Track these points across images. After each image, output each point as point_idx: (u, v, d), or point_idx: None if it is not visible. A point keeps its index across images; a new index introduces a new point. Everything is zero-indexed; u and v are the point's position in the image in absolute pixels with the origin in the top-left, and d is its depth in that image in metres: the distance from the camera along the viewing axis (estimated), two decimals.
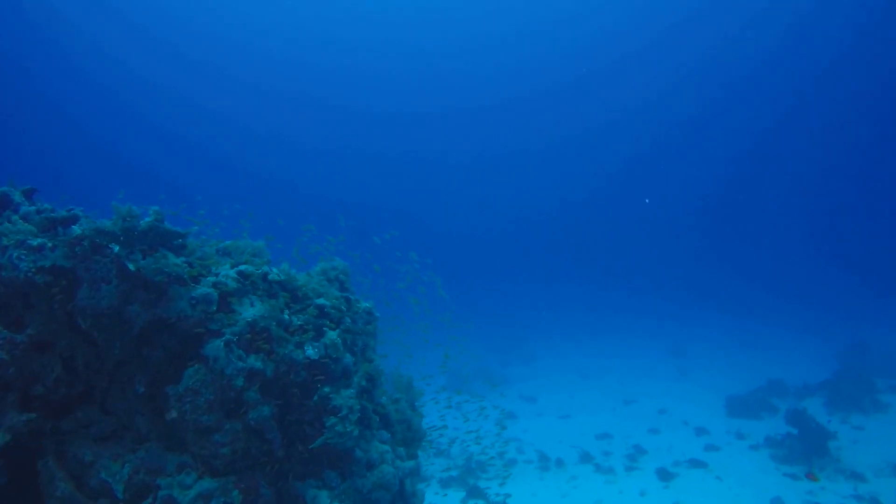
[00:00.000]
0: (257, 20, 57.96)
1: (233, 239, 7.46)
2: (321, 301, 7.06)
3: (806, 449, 14.77)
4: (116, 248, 5.85)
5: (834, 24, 50.42)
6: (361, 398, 7.08)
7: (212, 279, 6.48)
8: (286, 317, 6.76)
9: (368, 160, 69.52)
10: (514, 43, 61.67)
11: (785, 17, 51.90)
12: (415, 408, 8.71)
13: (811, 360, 28.28)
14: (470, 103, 67.63)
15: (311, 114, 67.66)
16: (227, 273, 6.70)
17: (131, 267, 5.86)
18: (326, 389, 6.59)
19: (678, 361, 30.06)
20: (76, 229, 5.60)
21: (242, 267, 6.86)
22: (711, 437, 17.02)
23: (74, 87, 57.02)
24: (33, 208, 5.98)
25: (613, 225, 71.40)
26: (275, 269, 7.10)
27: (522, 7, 57.89)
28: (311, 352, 6.59)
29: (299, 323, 6.83)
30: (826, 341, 31.94)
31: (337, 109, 67.18)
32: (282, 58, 62.93)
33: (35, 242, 5.50)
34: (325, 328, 6.87)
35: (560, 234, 70.74)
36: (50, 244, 5.55)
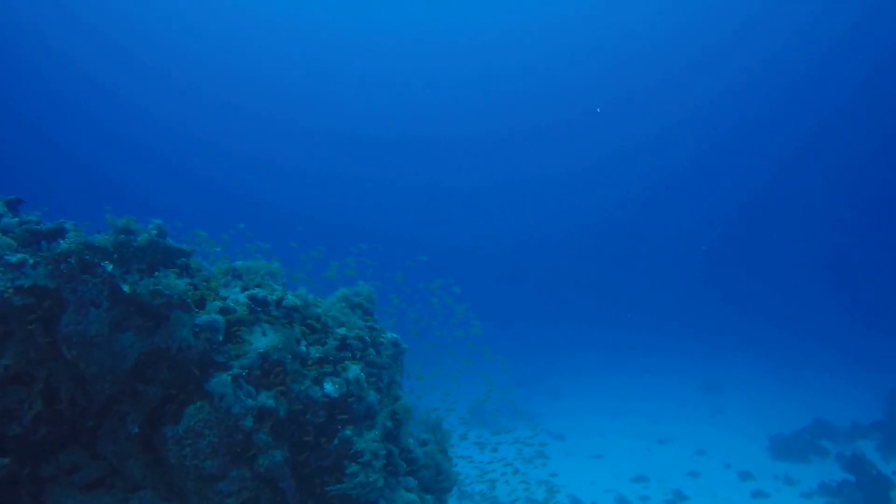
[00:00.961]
0: (261, 44, 58.38)
1: (241, 260, 6.70)
2: (343, 331, 6.23)
3: (866, 499, 13.48)
4: (109, 267, 5.10)
5: (853, 58, 49.61)
6: (387, 441, 6.19)
7: (219, 304, 5.71)
8: (303, 348, 5.94)
9: (371, 186, 68.94)
10: (524, 73, 61.44)
11: (800, 55, 51.34)
12: (445, 450, 7.77)
13: (854, 399, 26.72)
14: (496, 129, 67.27)
15: (329, 142, 67.60)
16: (236, 297, 5.92)
17: (126, 289, 5.11)
18: (348, 432, 5.72)
19: (712, 398, 28.61)
20: (62, 244, 4.86)
21: (254, 290, 6.08)
22: (758, 483, 15.72)
23: (55, 104, 57.05)
24: (16, 220, 5.27)
25: (637, 259, 69.88)
26: (291, 294, 6.30)
27: (541, 38, 57.81)
28: (330, 388, 5.75)
29: (318, 355, 6.01)
30: (869, 381, 30.38)
31: (347, 136, 66.94)
32: (292, 84, 63.20)
33: (14, 259, 4.77)
34: (346, 361, 6.03)
35: (579, 265, 69.27)
36: (31, 260, 4.82)
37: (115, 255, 4.89)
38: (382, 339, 6.89)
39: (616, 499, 14.64)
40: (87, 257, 4.90)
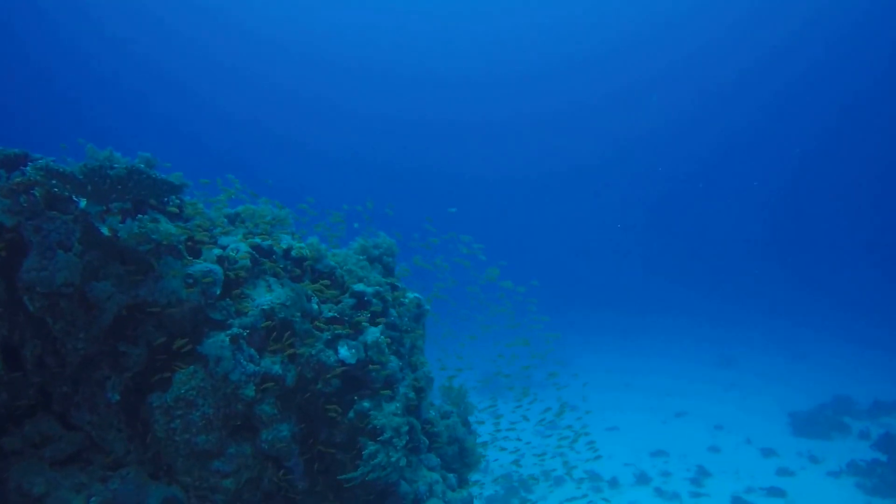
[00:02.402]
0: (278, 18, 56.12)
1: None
2: (360, 287, 5.37)
3: None
4: (83, 203, 4.23)
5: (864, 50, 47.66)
6: (408, 415, 5.38)
7: (217, 252, 4.84)
8: (314, 306, 5.09)
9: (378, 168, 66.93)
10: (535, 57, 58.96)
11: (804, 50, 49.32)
12: (468, 423, 7.00)
13: (868, 376, 25.97)
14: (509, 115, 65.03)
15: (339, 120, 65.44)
16: (237, 246, 5.05)
17: (104, 231, 4.24)
18: (366, 404, 4.91)
19: (725, 373, 27.88)
20: (25, 172, 3.98)
21: (258, 239, 5.21)
22: (782, 460, 15.03)
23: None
24: None
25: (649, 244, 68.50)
26: (300, 244, 5.43)
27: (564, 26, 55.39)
28: (346, 354, 4.91)
29: (331, 315, 5.16)
30: (879, 359, 29.67)
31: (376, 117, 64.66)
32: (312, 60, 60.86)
33: None
34: (364, 323, 5.19)
35: (588, 251, 67.80)
36: None
37: (89, 188, 4.01)
38: (404, 300, 6.05)
39: (636, 474, 13.98)
40: (55, 189, 4.03)
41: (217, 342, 4.42)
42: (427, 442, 5.69)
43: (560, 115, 64.92)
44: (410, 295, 6.24)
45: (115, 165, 3.89)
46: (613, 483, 13.63)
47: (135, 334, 4.37)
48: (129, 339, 4.35)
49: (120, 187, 4.02)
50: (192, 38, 54.79)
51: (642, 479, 13.83)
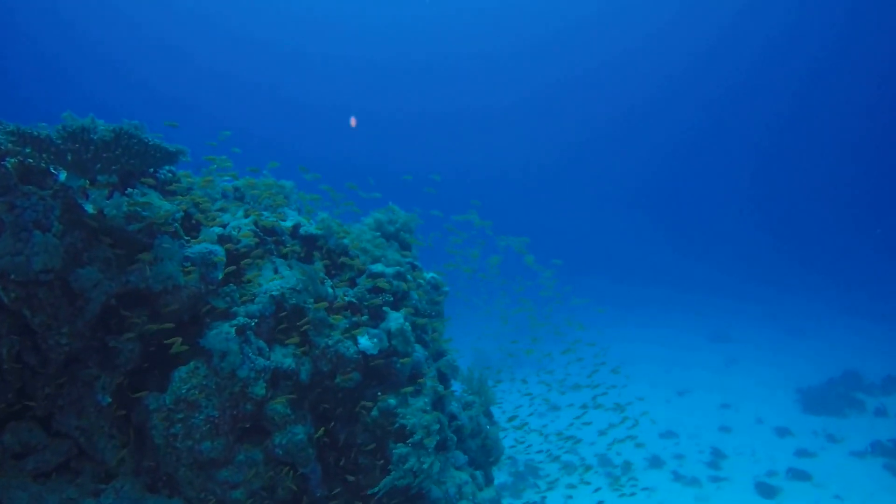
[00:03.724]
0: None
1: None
2: (378, 268, 4.81)
3: None
4: (63, 176, 3.62)
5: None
6: (435, 410, 4.85)
7: (217, 231, 4.25)
8: (329, 290, 4.52)
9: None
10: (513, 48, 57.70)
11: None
12: (490, 414, 6.49)
13: (879, 347, 25.74)
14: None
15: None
16: (238, 224, 4.47)
17: (88, 209, 3.65)
18: (392, 401, 4.36)
19: (721, 347, 27.54)
20: None
21: (263, 215, 4.62)
22: (798, 440, 14.65)
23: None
24: None
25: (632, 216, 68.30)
26: (309, 221, 4.85)
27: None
28: (367, 343, 4.36)
29: (348, 300, 4.60)
30: (872, 330, 29.47)
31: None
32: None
33: None
34: (385, 308, 4.63)
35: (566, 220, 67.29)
36: None
37: (70, 157, 3.40)
38: (421, 280, 5.49)
39: (648, 458, 13.58)
40: (30, 160, 3.41)
41: (222, 334, 3.85)
42: (455, 439, 5.17)
43: (543, 96, 64.13)
44: (428, 275, 5.69)
45: (100, 128, 3.28)
46: (627, 467, 13.22)
47: (127, 326, 3.79)
48: (119, 333, 3.77)
49: (106, 155, 3.41)
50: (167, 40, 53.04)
51: (655, 462, 13.41)
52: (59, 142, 3.14)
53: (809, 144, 62.44)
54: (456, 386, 6.47)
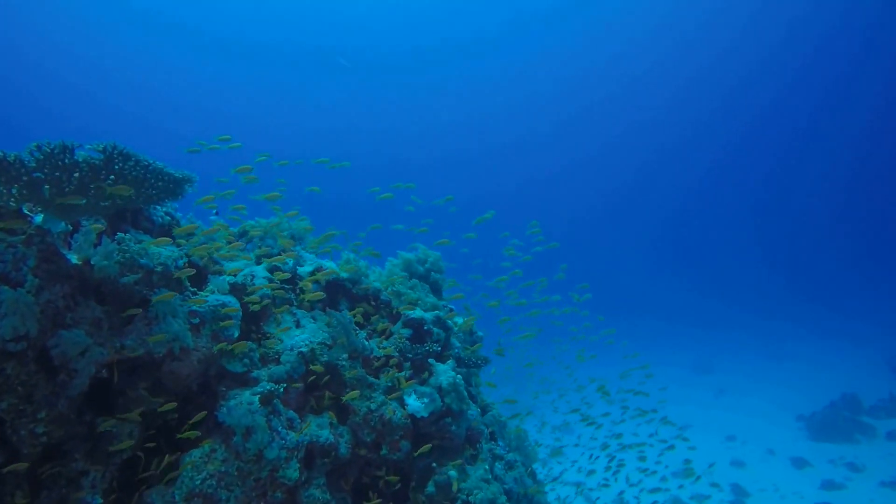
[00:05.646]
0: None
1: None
2: (416, 314, 4.09)
3: None
4: (39, 218, 2.87)
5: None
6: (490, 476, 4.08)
7: (227, 280, 3.51)
8: (364, 342, 3.78)
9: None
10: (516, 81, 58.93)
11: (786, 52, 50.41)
12: (534, 474, 5.70)
13: (869, 368, 25.59)
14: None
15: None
16: (251, 270, 3.73)
17: (72, 258, 2.89)
18: (452, 472, 3.59)
19: (709, 378, 27.12)
20: None
21: (278, 260, 3.89)
22: (818, 471, 14.04)
23: None
24: None
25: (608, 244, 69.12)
26: (331, 263, 4.14)
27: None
28: (416, 405, 3.61)
29: (384, 353, 3.86)
30: (850, 351, 29.57)
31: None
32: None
33: None
34: (430, 360, 3.90)
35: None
36: None
37: (48, 189, 2.65)
38: (453, 326, 4.78)
39: (669, 502, 12.78)
40: None
41: (243, 405, 3.07)
42: None
43: (536, 135, 65.34)
44: (460, 319, 4.98)
45: (87, 146, 2.55)
46: None
47: (123, 403, 2.99)
48: (113, 411, 2.97)
49: (94, 186, 2.67)
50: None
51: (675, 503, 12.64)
52: (35, 165, 2.41)
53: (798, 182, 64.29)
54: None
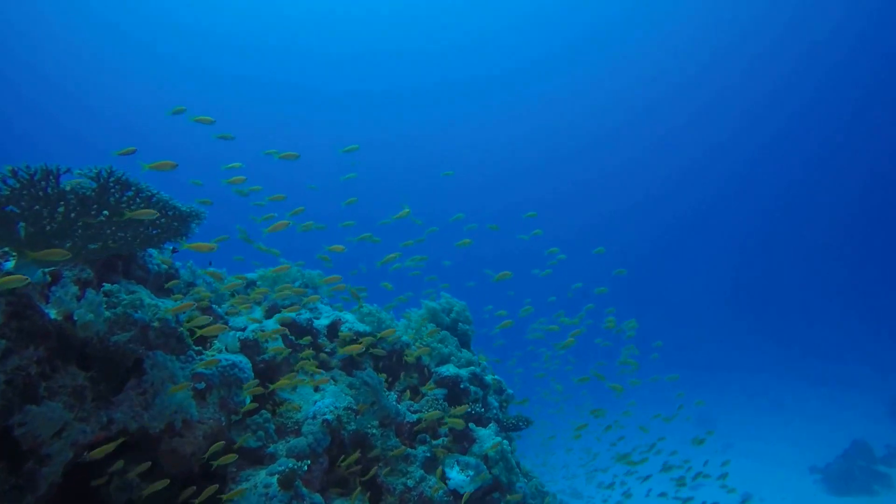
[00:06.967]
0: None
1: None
2: (450, 370, 3.56)
3: None
4: (9, 264, 2.35)
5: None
6: None
7: (236, 337, 2.97)
8: (396, 406, 3.23)
9: None
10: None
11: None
12: None
13: (871, 413, 25.06)
14: None
15: None
16: (260, 325, 3.20)
17: (51, 314, 2.36)
18: None
19: (710, 431, 26.31)
20: None
21: (291, 313, 3.36)
22: None
23: None
24: None
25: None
26: (350, 315, 3.62)
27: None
28: (460, 479, 3.04)
29: (417, 417, 3.30)
30: (868, 394, 29.08)
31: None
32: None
33: None
34: (471, 424, 3.34)
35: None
36: None
37: (23, 226, 2.15)
38: (492, 383, 4.23)
39: None
40: None
41: (259, 489, 2.49)
42: None
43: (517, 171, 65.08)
44: (489, 377, 4.44)
45: (76, 171, 2.06)
46: None
47: (107, 494, 2.39)
48: None
49: (82, 223, 2.16)
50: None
51: None
52: (8, 193, 1.91)
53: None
54: None
